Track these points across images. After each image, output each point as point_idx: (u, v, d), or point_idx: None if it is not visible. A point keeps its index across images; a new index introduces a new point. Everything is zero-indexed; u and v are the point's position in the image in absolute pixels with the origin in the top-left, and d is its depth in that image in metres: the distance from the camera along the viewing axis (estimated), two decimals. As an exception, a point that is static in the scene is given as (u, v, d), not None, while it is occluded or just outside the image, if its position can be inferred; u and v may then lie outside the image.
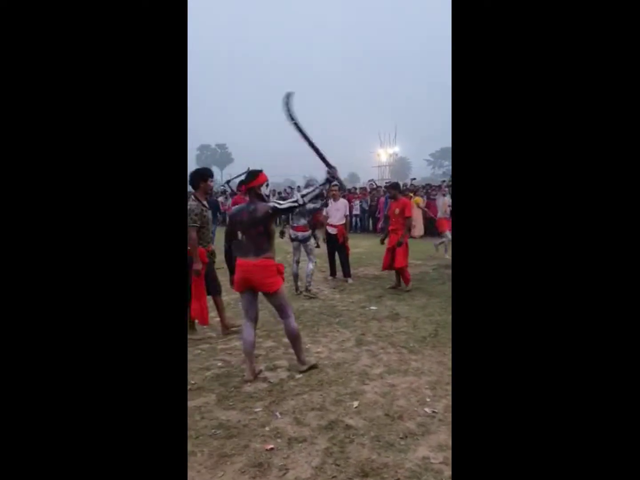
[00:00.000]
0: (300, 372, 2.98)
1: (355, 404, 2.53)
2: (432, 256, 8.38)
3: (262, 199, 2.89)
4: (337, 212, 5.95)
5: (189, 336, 3.72)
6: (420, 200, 11.13)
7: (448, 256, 8.02)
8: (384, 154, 42.05)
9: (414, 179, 15.13)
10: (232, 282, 2.99)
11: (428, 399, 2.59)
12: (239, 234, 2.91)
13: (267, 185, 2.93)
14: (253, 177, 2.88)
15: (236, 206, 3.07)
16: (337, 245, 6.01)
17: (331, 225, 5.93)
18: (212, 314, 4.38)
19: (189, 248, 3.42)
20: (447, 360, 3.19)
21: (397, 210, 5.51)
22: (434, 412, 2.45)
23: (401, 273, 5.53)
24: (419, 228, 11.69)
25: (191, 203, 3.52)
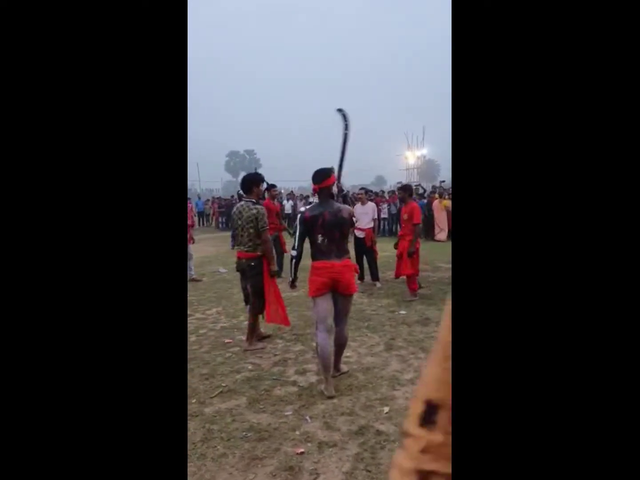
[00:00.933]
0: (332, 376, 2.95)
1: (386, 409, 2.50)
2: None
3: (334, 198, 2.88)
4: (365, 215, 5.92)
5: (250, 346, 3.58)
6: (448, 202, 10.94)
7: None
8: (412, 156, 41.60)
9: (443, 181, 14.82)
10: (294, 286, 3.01)
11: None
12: (319, 237, 2.76)
13: (335, 185, 2.88)
14: (325, 177, 2.79)
15: (311, 206, 2.93)
16: (364, 249, 5.98)
17: (359, 229, 5.91)
18: (242, 317, 4.43)
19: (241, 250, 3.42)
20: (481, 366, 3.11)
21: (405, 216, 5.23)
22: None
23: (407, 281, 5.26)
24: (445, 232, 11.49)
25: (257, 207, 3.41)
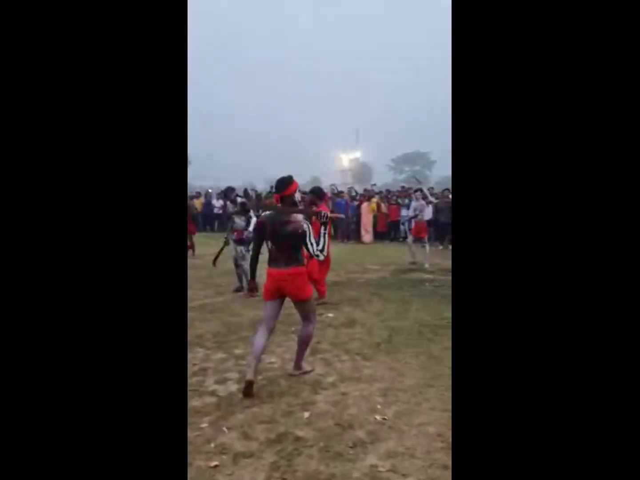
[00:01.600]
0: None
1: (306, 414, 2.50)
2: (391, 261, 8.50)
3: (296, 206, 2.92)
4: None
5: None
6: (375, 206, 11.36)
7: (428, 265, 7.66)
8: (346, 159, 42.51)
9: (374, 184, 15.42)
10: (251, 288, 3.00)
11: (379, 406, 2.61)
12: (269, 244, 2.87)
13: (298, 192, 2.92)
14: (287, 185, 2.82)
15: (267, 214, 2.90)
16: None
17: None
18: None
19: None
20: (400, 366, 3.23)
21: (314, 219, 5.23)
22: (384, 419, 2.46)
23: (315, 284, 5.03)
24: (370, 234, 11.94)
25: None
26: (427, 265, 7.67)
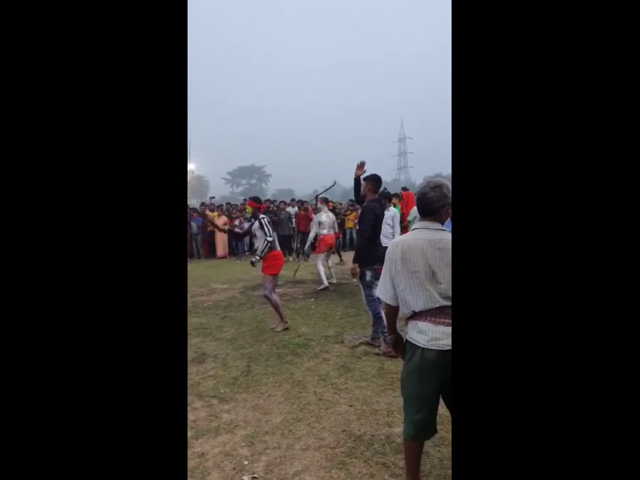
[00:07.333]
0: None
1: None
2: (239, 278, 8.05)
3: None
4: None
5: None
6: (216, 217, 10.80)
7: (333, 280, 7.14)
8: (180, 172, 40.07)
9: (213, 197, 14.77)
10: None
11: (246, 462, 2.19)
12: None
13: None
14: (259, 201, 4.72)
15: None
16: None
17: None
18: None
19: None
20: (263, 401, 2.86)
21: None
22: (254, 477, 2.06)
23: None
24: (221, 247, 11.39)
25: None
26: None
